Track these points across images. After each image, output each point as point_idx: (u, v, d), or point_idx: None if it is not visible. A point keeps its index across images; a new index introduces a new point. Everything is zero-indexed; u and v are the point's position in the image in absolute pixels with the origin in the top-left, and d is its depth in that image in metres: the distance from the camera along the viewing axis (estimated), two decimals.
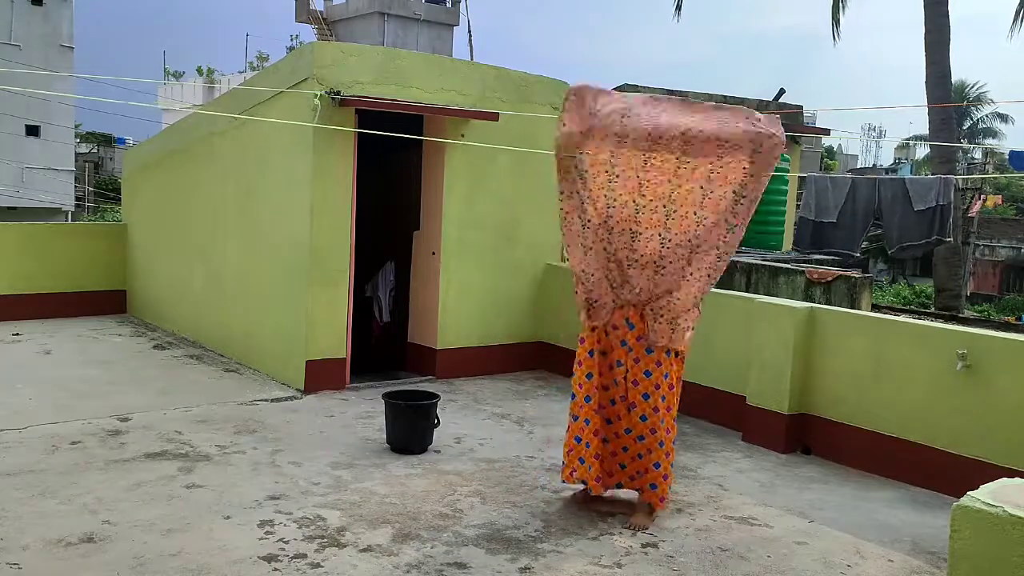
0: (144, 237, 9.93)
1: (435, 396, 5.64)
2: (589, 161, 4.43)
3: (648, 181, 4.40)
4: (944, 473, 5.06)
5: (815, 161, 32.33)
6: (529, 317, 7.96)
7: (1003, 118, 40.54)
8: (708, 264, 4.42)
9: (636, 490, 4.62)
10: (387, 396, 5.61)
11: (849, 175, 9.04)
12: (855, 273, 8.30)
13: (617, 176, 4.42)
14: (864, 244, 8.22)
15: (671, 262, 4.41)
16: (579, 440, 4.57)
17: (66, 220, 27.53)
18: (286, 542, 4.05)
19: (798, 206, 8.98)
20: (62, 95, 23.23)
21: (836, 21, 20.36)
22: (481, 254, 7.67)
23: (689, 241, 4.40)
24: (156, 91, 34.31)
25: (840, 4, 20.18)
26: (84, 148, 39.75)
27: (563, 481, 4.67)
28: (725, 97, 13.95)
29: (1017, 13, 19.29)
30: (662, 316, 4.44)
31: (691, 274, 4.42)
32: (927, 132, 21.12)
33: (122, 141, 39.80)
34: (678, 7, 20.55)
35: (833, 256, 8.48)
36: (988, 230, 30.81)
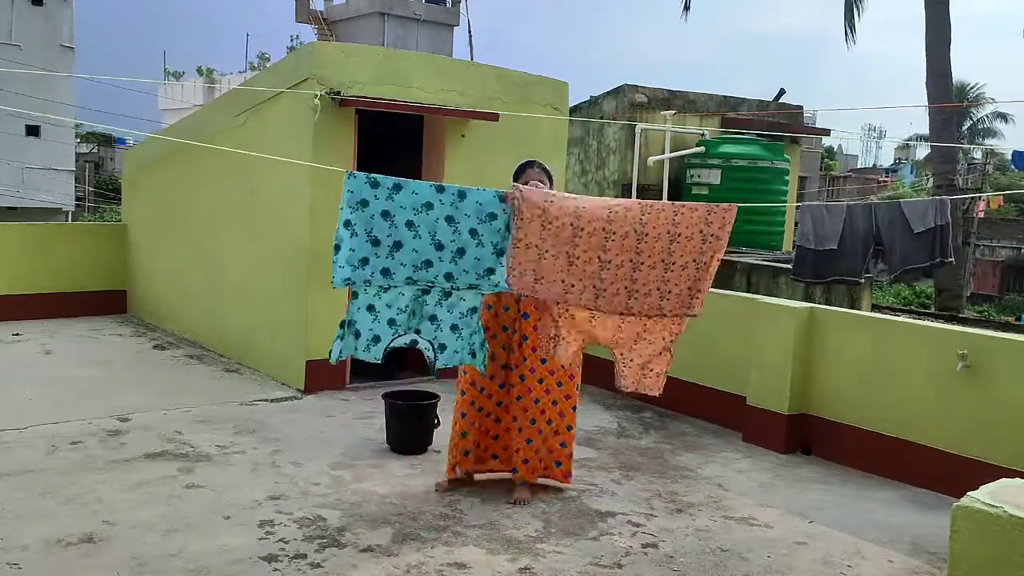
0: (144, 237, 9.93)
1: (435, 396, 5.64)
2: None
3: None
4: (944, 473, 5.06)
5: (815, 161, 32.32)
6: None
7: (1003, 118, 40.58)
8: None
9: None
10: (387, 396, 5.61)
11: (844, 201, 9.10)
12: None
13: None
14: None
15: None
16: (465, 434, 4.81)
17: (66, 220, 27.53)
18: (286, 542, 4.06)
19: (796, 224, 9.00)
20: (55, 114, 23.24)
21: (851, 25, 20.37)
22: None
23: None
24: (156, 91, 34.35)
25: (855, 7, 20.21)
26: (84, 148, 39.75)
27: (445, 481, 4.84)
28: (726, 97, 13.95)
29: None
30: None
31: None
32: (927, 132, 21.14)
33: (122, 141, 39.77)
34: (686, 6, 20.54)
35: (840, 282, 8.55)
36: (988, 230, 30.80)
